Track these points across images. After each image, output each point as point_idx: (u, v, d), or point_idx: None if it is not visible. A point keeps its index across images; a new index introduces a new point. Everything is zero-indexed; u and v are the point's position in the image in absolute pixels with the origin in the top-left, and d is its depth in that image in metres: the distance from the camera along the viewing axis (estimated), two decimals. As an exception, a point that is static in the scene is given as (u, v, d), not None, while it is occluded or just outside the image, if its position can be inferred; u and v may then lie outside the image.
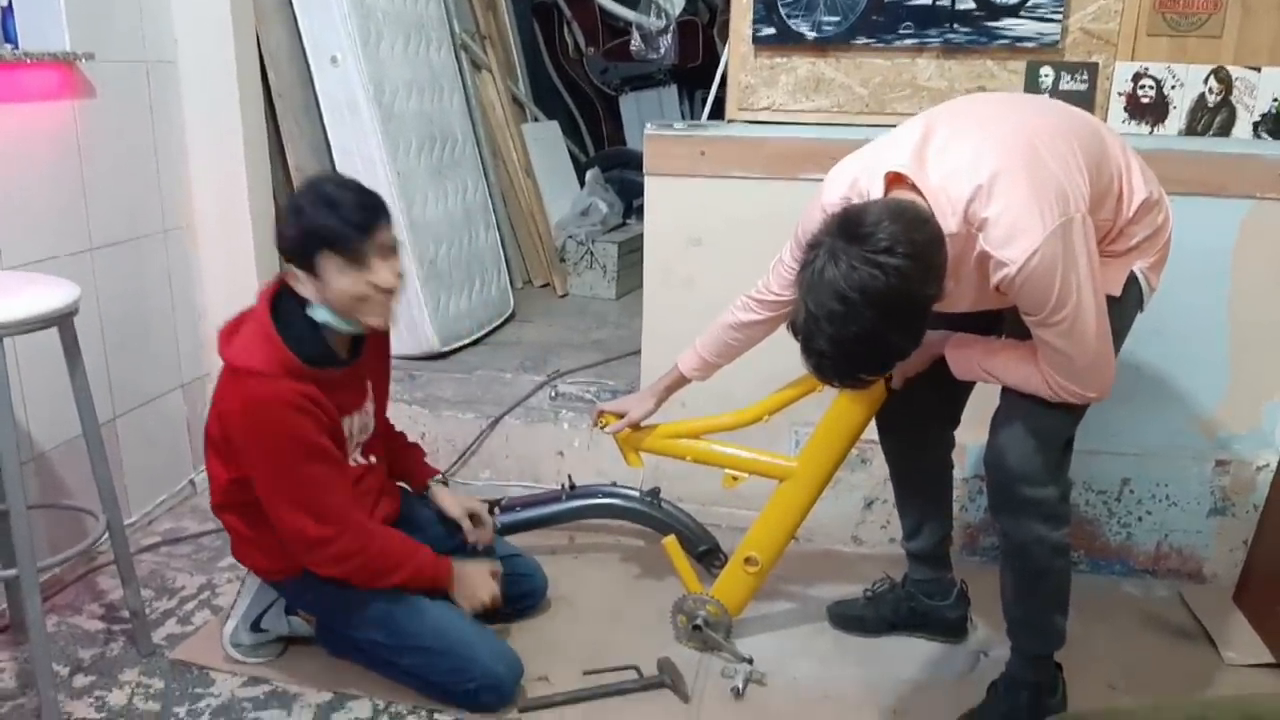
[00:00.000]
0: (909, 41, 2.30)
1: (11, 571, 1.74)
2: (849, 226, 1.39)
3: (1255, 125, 2.21)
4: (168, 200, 2.56)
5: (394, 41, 3.08)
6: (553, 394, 2.79)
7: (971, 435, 1.91)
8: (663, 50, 4.59)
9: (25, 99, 2.12)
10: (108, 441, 2.11)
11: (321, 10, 2.86)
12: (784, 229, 1.73)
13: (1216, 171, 2.11)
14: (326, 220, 1.65)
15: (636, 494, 2.35)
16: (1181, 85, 2.22)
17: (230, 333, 1.76)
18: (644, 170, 2.40)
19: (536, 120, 4.30)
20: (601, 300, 3.83)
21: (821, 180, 1.63)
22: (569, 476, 2.44)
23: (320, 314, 1.74)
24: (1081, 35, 2.25)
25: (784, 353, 1.51)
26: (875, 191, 1.49)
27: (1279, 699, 1.78)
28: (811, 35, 2.34)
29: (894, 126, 1.62)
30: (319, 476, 1.73)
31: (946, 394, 1.88)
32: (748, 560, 2.00)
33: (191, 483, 2.70)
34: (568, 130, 4.73)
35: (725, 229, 2.35)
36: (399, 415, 2.58)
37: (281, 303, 1.75)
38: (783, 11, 2.34)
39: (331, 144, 2.96)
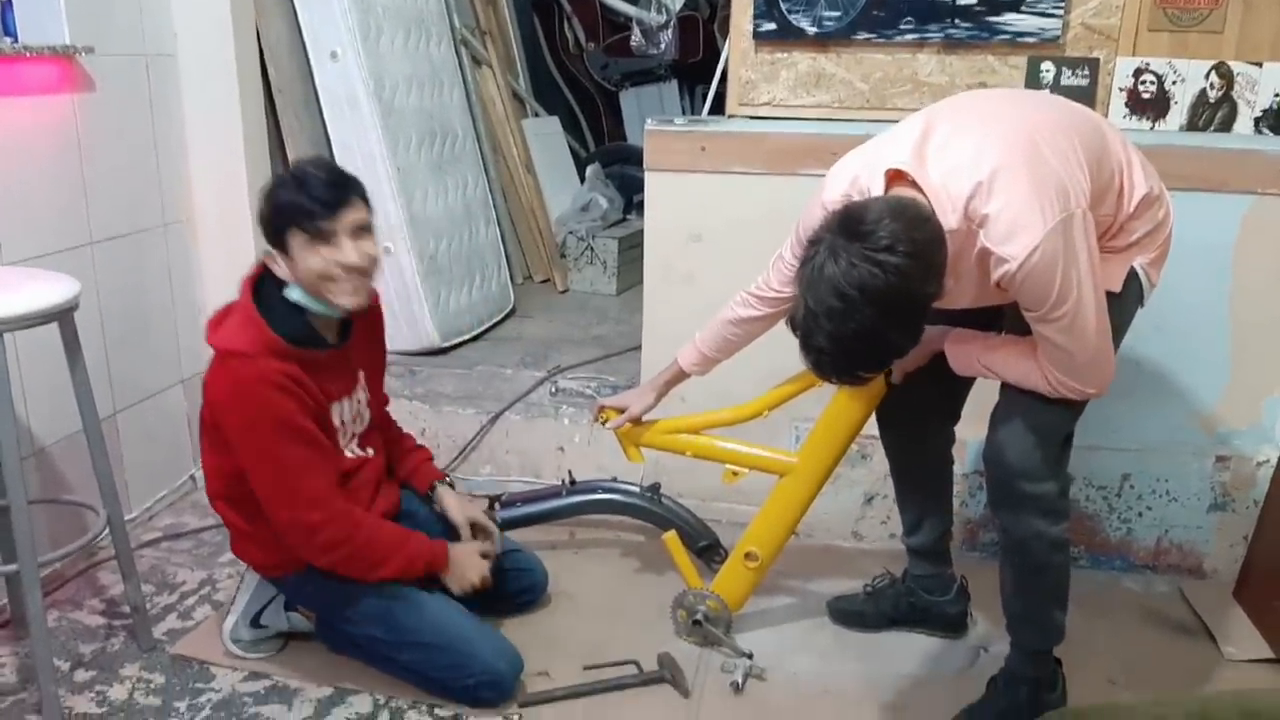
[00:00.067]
0: (910, 37, 2.29)
1: (12, 566, 1.74)
2: (849, 224, 1.38)
3: (1256, 121, 2.21)
4: (168, 195, 2.56)
5: (394, 36, 3.07)
6: (553, 389, 2.79)
7: (971, 430, 1.91)
8: (663, 45, 4.58)
9: (25, 93, 2.12)
10: (108, 436, 2.11)
11: (321, 5, 2.86)
12: (784, 225, 1.73)
13: (1217, 167, 2.11)
14: (294, 198, 1.68)
15: (637, 489, 2.35)
16: (1183, 81, 2.22)
17: (217, 322, 1.78)
18: (644, 166, 2.40)
19: (537, 116, 4.30)
20: (602, 296, 3.82)
21: (822, 176, 1.63)
22: (569, 472, 2.44)
23: (294, 294, 1.75)
24: (1083, 30, 2.25)
25: (784, 348, 1.51)
26: (876, 188, 1.49)
27: (1278, 694, 1.78)
28: (812, 30, 2.33)
29: (895, 122, 1.62)
30: (301, 459, 1.73)
31: (946, 389, 1.88)
32: (748, 555, 2.00)
33: (192, 478, 2.70)
34: (568, 126, 4.72)
35: (725, 225, 2.35)
36: (399, 411, 2.58)
37: (263, 286, 1.77)
38: (783, 7, 2.33)
39: (331, 139, 2.95)
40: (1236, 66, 2.19)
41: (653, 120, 2.40)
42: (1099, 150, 1.52)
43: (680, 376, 2.01)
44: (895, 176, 1.49)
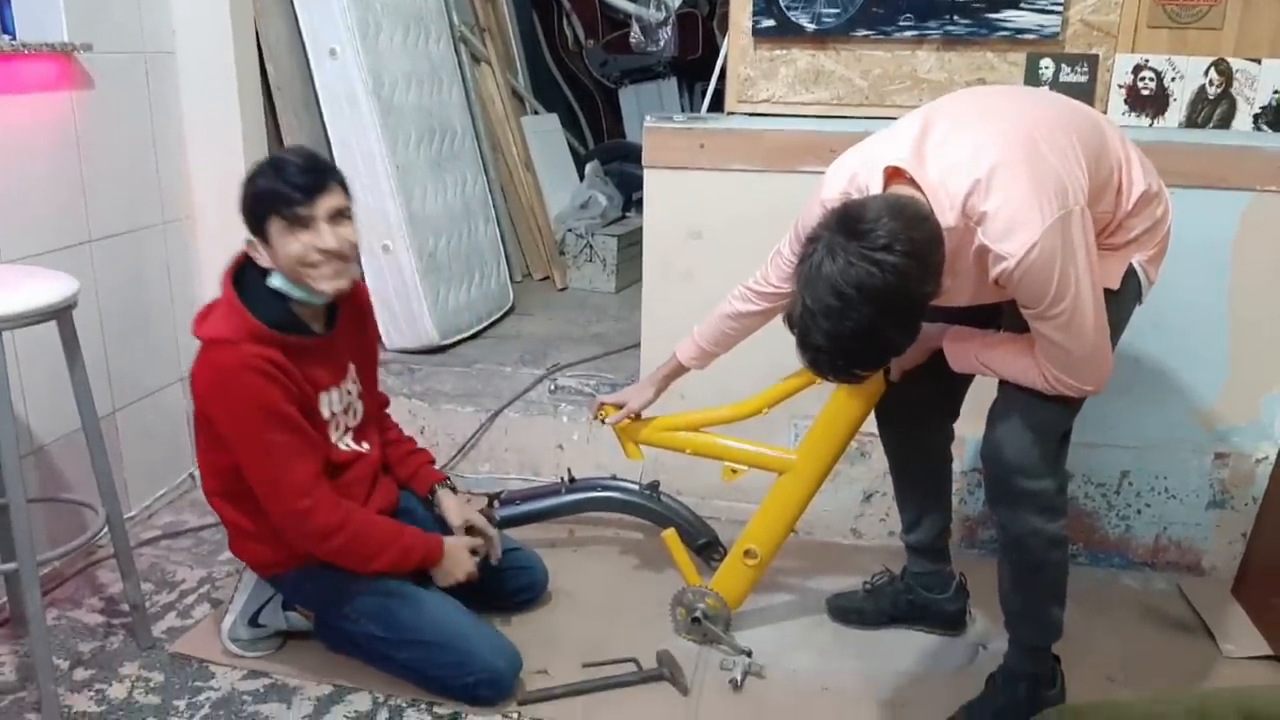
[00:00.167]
0: (909, 33, 2.29)
1: (11, 565, 1.74)
2: (848, 222, 1.38)
3: (1255, 117, 2.21)
4: (166, 192, 2.55)
5: (393, 34, 3.07)
6: (552, 387, 2.79)
7: (971, 428, 1.91)
8: (662, 43, 4.58)
9: (23, 90, 2.12)
10: (107, 435, 2.11)
11: (321, 3, 2.85)
12: (783, 222, 1.73)
13: (1217, 164, 2.11)
14: (272, 185, 1.69)
15: (636, 487, 2.35)
16: (1182, 77, 2.21)
17: (203, 316, 1.79)
18: (643, 163, 2.39)
19: (536, 113, 4.29)
20: (601, 294, 3.82)
21: (821, 173, 1.62)
22: (568, 470, 2.44)
23: (276, 280, 1.76)
24: (1082, 27, 2.25)
25: (783, 345, 1.51)
26: (874, 186, 1.49)
27: (1277, 691, 1.78)
28: (811, 27, 2.33)
29: (894, 119, 1.62)
30: (285, 445, 1.74)
31: (945, 386, 1.88)
32: (747, 553, 2.00)
33: (191, 476, 2.69)
34: (567, 123, 4.72)
35: (724, 222, 2.35)
36: (398, 409, 2.58)
37: (244, 275, 1.78)
38: (782, 3, 2.33)
39: (330, 137, 2.95)
40: (1235, 63, 2.18)
41: (652, 117, 2.40)
42: (1098, 147, 1.52)
43: (679, 371, 2.01)
44: (894, 174, 1.48)
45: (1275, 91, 2.18)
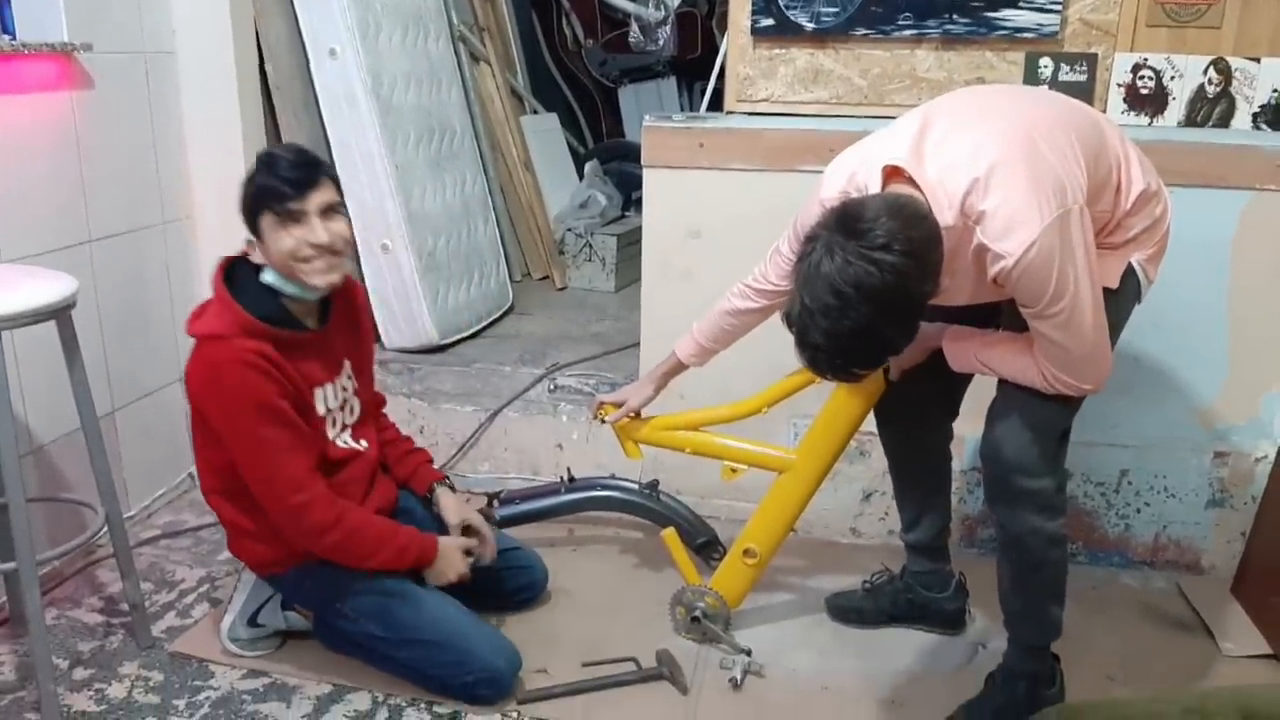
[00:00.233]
0: (908, 32, 2.29)
1: (10, 565, 1.74)
2: (846, 221, 1.38)
3: (1254, 116, 2.21)
4: (166, 192, 2.55)
5: (392, 34, 3.07)
6: (551, 387, 2.79)
7: (970, 427, 1.91)
8: (661, 42, 4.58)
9: (23, 90, 2.12)
10: (106, 435, 2.11)
11: (320, 3, 2.85)
12: (783, 221, 1.73)
13: (1216, 163, 2.11)
14: (264, 180, 1.71)
15: (635, 486, 2.35)
16: (1181, 76, 2.21)
17: (197, 315, 1.79)
18: (642, 162, 2.39)
19: (535, 112, 4.29)
20: (600, 293, 3.82)
21: (820, 172, 1.63)
22: (568, 469, 2.44)
23: (268, 276, 1.77)
24: (1081, 26, 2.25)
25: (782, 345, 1.51)
26: (873, 185, 1.49)
27: (1276, 690, 1.78)
28: (810, 26, 2.33)
29: (893, 118, 1.62)
30: (277, 440, 1.74)
31: (944, 385, 1.88)
32: (746, 552, 2.00)
33: (190, 475, 2.69)
34: (566, 122, 4.72)
35: (724, 221, 2.34)
36: (398, 408, 2.59)
37: (236, 271, 1.79)
38: (781, 3, 2.33)
39: (330, 136, 2.95)
40: (1235, 62, 2.19)
41: (650, 117, 2.40)
42: (1097, 146, 1.52)
43: (678, 368, 2.01)
44: (893, 173, 1.48)
45: (1274, 90, 2.19)
